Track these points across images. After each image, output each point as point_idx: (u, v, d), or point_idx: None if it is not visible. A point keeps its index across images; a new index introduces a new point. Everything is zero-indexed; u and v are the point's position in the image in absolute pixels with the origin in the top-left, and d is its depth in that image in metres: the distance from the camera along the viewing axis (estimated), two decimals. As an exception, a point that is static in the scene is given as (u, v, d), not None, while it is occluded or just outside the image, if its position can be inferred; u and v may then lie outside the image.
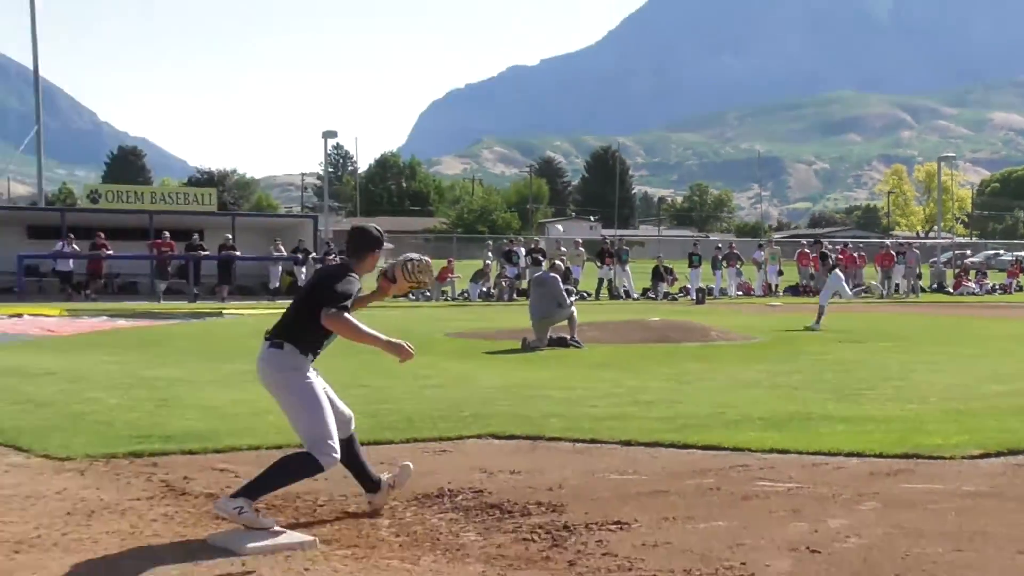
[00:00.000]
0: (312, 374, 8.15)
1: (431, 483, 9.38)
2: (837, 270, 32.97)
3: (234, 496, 7.84)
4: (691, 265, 53.69)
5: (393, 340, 8.24)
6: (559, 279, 25.04)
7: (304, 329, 8.12)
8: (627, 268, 54.00)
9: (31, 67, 56.33)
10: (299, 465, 8.03)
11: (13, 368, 18.59)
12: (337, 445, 8.02)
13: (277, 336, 8.15)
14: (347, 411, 8.53)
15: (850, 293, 33.04)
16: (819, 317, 29.61)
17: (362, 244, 8.52)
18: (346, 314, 8.01)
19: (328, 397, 8.28)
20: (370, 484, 8.65)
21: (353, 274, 8.26)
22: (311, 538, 7.64)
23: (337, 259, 47.26)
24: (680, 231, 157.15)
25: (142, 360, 20.34)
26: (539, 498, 9.00)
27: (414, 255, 8.85)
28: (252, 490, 7.87)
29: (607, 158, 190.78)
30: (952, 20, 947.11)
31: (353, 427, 8.60)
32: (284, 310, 8.44)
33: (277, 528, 7.80)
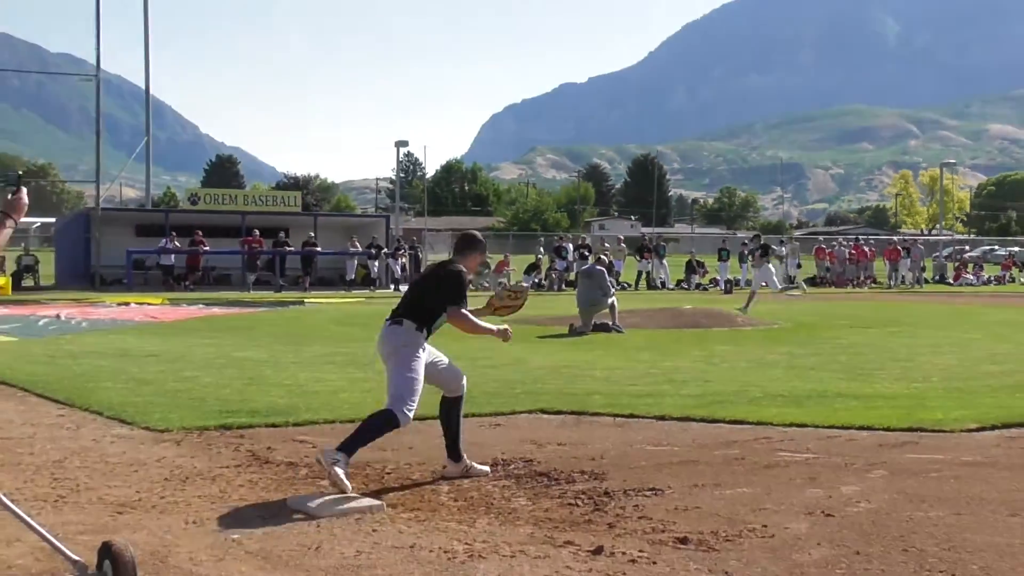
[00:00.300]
0: (421, 352, 8.40)
1: (486, 454, 9.33)
2: (770, 264, 33.10)
3: (338, 448, 8.01)
4: (720, 259, 53.67)
5: (499, 328, 8.78)
6: (605, 272, 25.02)
7: (422, 311, 8.46)
8: (664, 262, 53.97)
9: (142, 86, 56.54)
10: (382, 420, 8.18)
11: (121, 351, 18.69)
12: (415, 408, 8.22)
13: (398, 315, 8.47)
14: (459, 373, 8.81)
15: (778, 286, 32.98)
16: (748, 302, 29.56)
17: (469, 246, 8.94)
18: (465, 311, 8.57)
19: (445, 364, 8.72)
20: (454, 452, 8.75)
21: (466, 274, 8.70)
22: (379, 502, 7.62)
23: (407, 254, 47.88)
24: (711, 229, 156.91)
25: (233, 343, 20.40)
26: (583, 467, 8.94)
27: (511, 285, 9.36)
28: (349, 446, 8.04)
29: (647, 164, 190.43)
30: (953, 42, 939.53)
31: (463, 390, 8.80)
32: (405, 299, 8.69)
33: (350, 493, 7.78)
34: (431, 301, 8.47)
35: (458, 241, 9.10)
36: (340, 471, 7.84)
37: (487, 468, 8.82)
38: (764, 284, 31.76)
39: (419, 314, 8.43)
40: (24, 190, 6.17)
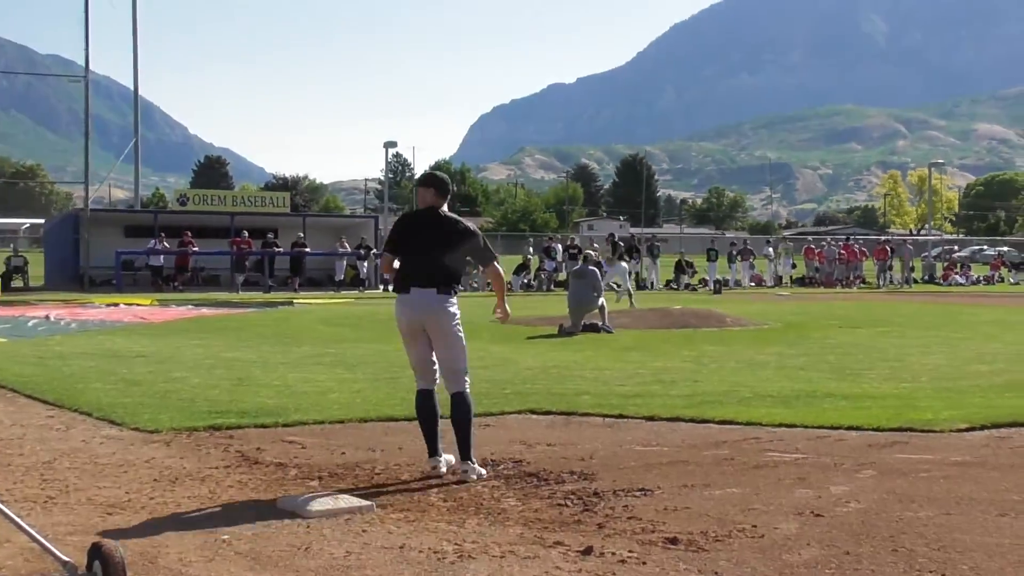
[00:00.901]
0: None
1: (476, 454, 9.30)
2: (623, 262, 33.76)
3: (473, 465, 8.53)
4: (709, 259, 53.75)
5: (503, 307, 9.31)
6: (598, 272, 25.09)
7: (458, 275, 8.79)
8: (656, 262, 54.00)
9: (131, 87, 56.53)
10: (467, 404, 8.71)
11: (110, 351, 18.67)
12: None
13: (444, 284, 8.60)
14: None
15: (629, 287, 33.82)
16: (630, 298, 30.55)
17: (448, 188, 9.04)
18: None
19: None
20: (435, 449, 8.75)
21: None
22: (369, 503, 7.59)
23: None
24: (700, 229, 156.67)
25: (222, 344, 20.38)
26: (572, 467, 8.92)
27: None
28: (469, 451, 8.58)
29: (635, 164, 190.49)
30: (941, 42, 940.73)
31: (437, 385, 8.88)
32: (435, 262, 8.65)
33: (338, 494, 7.77)
34: (462, 263, 8.83)
35: (439, 184, 8.97)
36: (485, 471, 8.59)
37: (468, 471, 8.75)
38: (617, 285, 32.86)
39: (457, 280, 8.73)
40: None
